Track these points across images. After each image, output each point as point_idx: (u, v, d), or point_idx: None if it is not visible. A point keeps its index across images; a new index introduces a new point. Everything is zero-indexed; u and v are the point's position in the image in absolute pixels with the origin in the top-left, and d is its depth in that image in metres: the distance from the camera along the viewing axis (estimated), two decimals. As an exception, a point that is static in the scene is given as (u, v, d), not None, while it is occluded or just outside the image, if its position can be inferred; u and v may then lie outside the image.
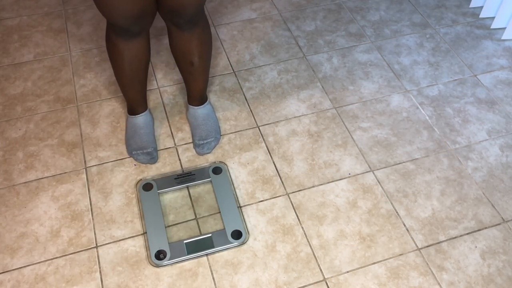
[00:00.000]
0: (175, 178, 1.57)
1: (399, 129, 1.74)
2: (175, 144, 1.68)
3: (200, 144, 1.64)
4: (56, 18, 2.11)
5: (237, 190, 1.56)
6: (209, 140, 1.64)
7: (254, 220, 1.49)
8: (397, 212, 1.52)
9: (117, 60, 1.44)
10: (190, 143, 1.68)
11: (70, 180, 1.57)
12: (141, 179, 1.57)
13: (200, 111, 1.68)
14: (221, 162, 1.63)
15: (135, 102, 1.61)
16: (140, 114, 1.64)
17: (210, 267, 1.39)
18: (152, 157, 1.60)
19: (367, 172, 1.61)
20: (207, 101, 1.71)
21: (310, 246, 1.44)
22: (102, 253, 1.42)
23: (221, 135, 1.70)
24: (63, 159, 1.63)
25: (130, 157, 1.62)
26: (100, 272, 1.38)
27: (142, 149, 1.60)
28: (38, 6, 2.16)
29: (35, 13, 2.13)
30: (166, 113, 1.77)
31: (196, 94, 1.64)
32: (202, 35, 1.45)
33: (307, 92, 1.85)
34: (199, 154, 1.64)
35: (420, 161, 1.65)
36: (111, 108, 1.78)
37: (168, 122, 1.74)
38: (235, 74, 1.91)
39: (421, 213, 1.52)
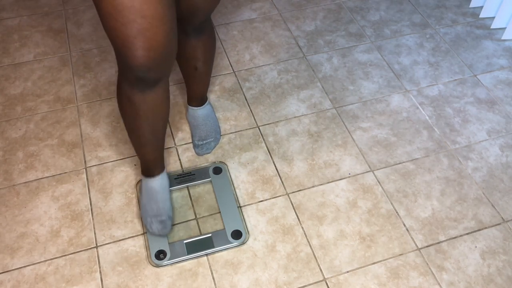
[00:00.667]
0: (175, 178, 1.57)
1: (399, 129, 1.74)
2: (175, 144, 1.68)
3: (200, 144, 1.63)
4: (56, 18, 2.11)
5: (237, 190, 1.56)
6: (208, 140, 1.64)
7: (254, 220, 1.49)
8: (397, 212, 1.52)
9: (131, 116, 1.26)
10: (190, 143, 1.68)
11: (70, 180, 1.57)
12: (141, 179, 1.57)
13: (200, 111, 1.66)
14: (221, 162, 1.63)
15: (152, 162, 1.42)
16: (157, 177, 1.45)
17: (210, 267, 1.40)
18: (164, 226, 1.43)
19: (367, 172, 1.61)
20: (207, 102, 1.69)
21: (310, 246, 1.44)
22: (102, 253, 1.42)
23: (221, 135, 1.69)
24: (63, 159, 1.63)
25: (144, 223, 1.45)
26: (100, 272, 1.38)
27: (156, 217, 1.43)
28: (38, 6, 2.16)
29: (35, 13, 2.13)
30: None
31: (197, 96, 1.63)
32: (207, 42, 1.43)
33: (307, 92, 1.85)
34: (199, 154, 1.63)
35: (420, 161, 1.65)
36: (111, 108, 1.78)
37: (168, 122, 1.74)
38: (235, 74, 1.91)
39: (421, 213, 1.52)
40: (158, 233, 1.43)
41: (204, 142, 1.64)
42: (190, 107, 1.67)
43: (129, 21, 1.03)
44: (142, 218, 1.45)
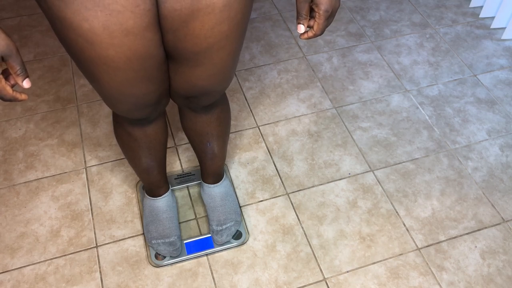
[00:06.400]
0: (175, 178, 1.57)
1: (399, 129, 1.74)
2: (175, 144, 1.68)
3: (219, 230, 1.41)
4: (56, 18, 2.11)
5: (237, 190, 1.56)
6: (228, 225, 1.42)
7: (254, 220, 1.49)
8: (397, 212, 1.52)
9: (132, 148, 1.22)
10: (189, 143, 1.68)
11: (70, 180, 1.57)
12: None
13: (217, 189, 1.46)
14: (221, 162, 1.63)
15: (155, 185, 1.38)
16: (162, 196, 1.42)
17: (210, 267, 1.39)
18: (175, 248, 1.38)
19: (367, 172, 1.61)
20: (224, 176, 1.49)
21: (310, 246, 1.44)
22: (102, 253, 1.42)
23: (241, 216, 1.50)
24: (63, 159, 1.63)
25: (150, 246, 1.42)
26: (100, 272, 1.38)
27: (163, 238, 1.38)
28: (38, 6, 2.16)
29: (35, 13, 2.13)
30: (166, 113, 1.76)
31: (213, 172, 1.42)
32: (221, 115, 1.23)
33: (307, 92, 1.85)
34: (218, 243, 1.42)
35: (420, 161, 1.65)
36: (111, 108, 1.78)
37: (168, 121, 1.74)
38: (235, 74, 1.91)
39: (421, 213, 1.52)
40: (169, 255, 1.39)
41: (224, 227, 1.42)
42: (205, 184, 1.46)
43: (119, 101, 0.99)
44: (146, 239, 1.41)
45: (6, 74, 0.79)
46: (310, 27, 0.90)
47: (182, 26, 0.85)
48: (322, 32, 0.89)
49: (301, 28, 0.89)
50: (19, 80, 0.78)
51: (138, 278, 1.37)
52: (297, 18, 0.89)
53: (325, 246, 1.44)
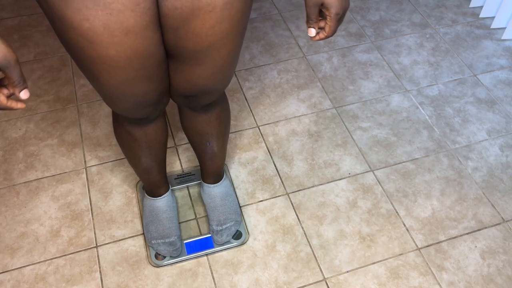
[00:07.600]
0: (175, 178, 1.57)
1: (399, 129, 1.74)
2: (175, 144, 1.68)
3: (219, 230, 1.41)
4: (56, 18, 2.11)
5: (237, 190, 1.56)
6: (228, 225, 1.42)
7: (254, 220, 1.49)
8: (397, 212, 1.52)
9: (131, 147, 1.22)
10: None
11: (70, 180, 1.57)
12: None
13: (217, 189, 1.46)
14: (221, 162, 1.63)
15: (155, 185, 1.39)
16: (162, 196, 1.42)
17: (210, 267, 1.40)
18: (175, 248, 1.38)
19: (367, 172, 1.61)
20: (224, 176, 1.49)
21: (310, 246, 1.44)
22: (102, 253, 1.42)
23: (241, 216, 1.50)
24: (63, 159, 1.63)
25: (150, 246, 1.42)
26: (100, 272, 1.38)
27: (163, 238, 1.38)
28: (38, 6, 2.16)
29: (35, 13, 2.13)
30: (166, 113, 1.76)
31: (213, 172, 1.42)
32: (221, 114, 1.23)
33: (307, 92, 1.85)
34: (218, 242, 1.42)
35: (420, 161, 1.65)
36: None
37: (168, 121, 1.74)
38: (235, 74, 1.91)
39: (421, 213, 1.52)
40: (169, 255, 1.39)
41: (224, 227, 1.42)
42: (205, 184, 1.47)
43: (119, 100, 1.00)
44: (146, 239, 1.41)
45: (4, 82, 0.76)
46: (320, 28, 0.92)
47: (182, 24, 0.85)
48: (333, 33, 0.91)
49: (312, 32, 0.91)
50: (16, 91, 0.76)
51: (138, 278, 1.37)
52: (307, 22, 0.90)
53: (325, 246, 1.44)
